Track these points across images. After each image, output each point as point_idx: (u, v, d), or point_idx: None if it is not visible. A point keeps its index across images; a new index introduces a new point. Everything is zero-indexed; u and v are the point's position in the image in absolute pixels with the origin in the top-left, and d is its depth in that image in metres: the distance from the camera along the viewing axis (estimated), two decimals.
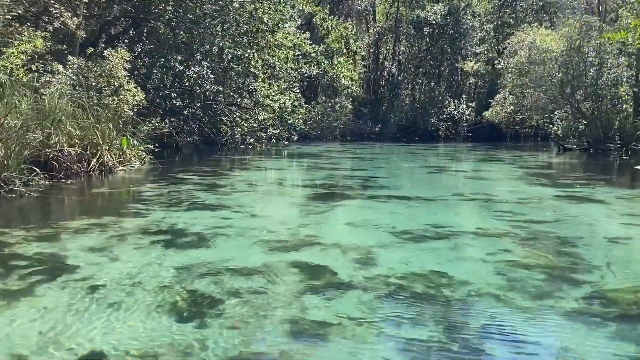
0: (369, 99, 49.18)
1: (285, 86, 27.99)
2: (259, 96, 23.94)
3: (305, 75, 29.04)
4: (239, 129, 24.82)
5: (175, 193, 11.37)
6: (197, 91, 22.73)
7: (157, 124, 19.49)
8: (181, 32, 21.85)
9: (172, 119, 23.03)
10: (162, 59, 21.43)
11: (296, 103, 27.71)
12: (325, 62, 26.80)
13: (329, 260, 5.96)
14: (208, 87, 22.87)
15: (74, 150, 13.24)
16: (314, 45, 27.34)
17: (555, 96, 34.71)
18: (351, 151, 29.83)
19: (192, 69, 23.06)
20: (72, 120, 13.65)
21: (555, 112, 36.82)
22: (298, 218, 9.03)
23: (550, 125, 48.64)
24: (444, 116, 46.70)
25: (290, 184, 13.98)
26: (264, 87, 24.52)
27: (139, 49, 21.81)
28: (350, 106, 45.38)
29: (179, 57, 22.17)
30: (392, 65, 48.84)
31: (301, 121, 28.61)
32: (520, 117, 37.85)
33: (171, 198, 10.63)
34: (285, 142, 28.75)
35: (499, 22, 46.87)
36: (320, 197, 11.68)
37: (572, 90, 33.62)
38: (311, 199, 11.30)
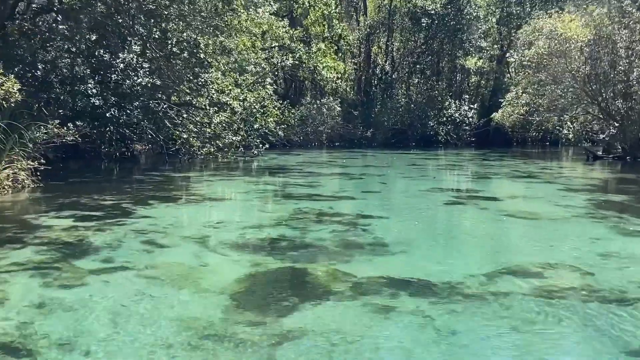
0: (360, 100, 42.95)
1: (252, 81, 21.78)
2: (213, 92, 17.66)
3: (280, 66, 22.75)
4: (188, 136, 18.51)
5: None
6: (125, 86, 16.45)
7: (56, 130, 13.22)
8: (102, 5, 15.57)
9: (96, 123, 16.78)
10: (72, 41, 15.15)
11: (267, 102, 21.49)
12: (302, 48, 20.52)
13: None
14: (141, 80, 16.59)
15: None
16: (287, 29, 21.04)
17: (578, 94, 28.63)
18: (337, 162, 23.59)
19: (121, 55, 16.77)
20: None
21: (578, 112, 30.77)
22: None
23: (567, 128, 42.78)
24: (444, 119, 40.57)
25: (221, 241, 7.69)
26: (223, 80, 18.21)
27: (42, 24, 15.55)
28: (338, 108, 39.15)
29: (100, 39, 15.91)
30: (385, 62, 42.67)
31: (272, 124, 22.39)
32: (537, 119, 31.75)
33: None
34: (255, 152, 22.53)
35: (505, 13, 40.82)
36: (261, 298, 5.45)
37: (600, 86, 27.56)
38: (240, 308, 4.99)
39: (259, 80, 21.98)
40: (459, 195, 12.69)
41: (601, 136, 45.77)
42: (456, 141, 40.42)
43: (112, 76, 16.91)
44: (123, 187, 13.64)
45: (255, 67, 21.69)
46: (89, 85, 16.18)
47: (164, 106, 17.90)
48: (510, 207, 10.93)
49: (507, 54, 34.92)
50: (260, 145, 22.41)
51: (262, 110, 21.00)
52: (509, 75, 43.34)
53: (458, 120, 40.86)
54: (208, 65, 17.80)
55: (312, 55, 20.16)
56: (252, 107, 20.33)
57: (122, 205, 10.43)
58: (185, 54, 17.34)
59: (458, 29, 37.75)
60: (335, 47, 29.00)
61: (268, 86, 22.22)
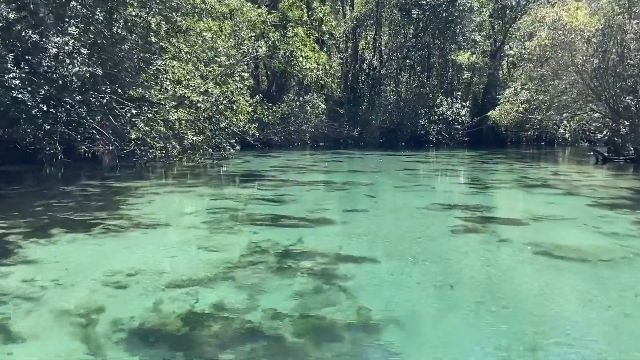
0: (346, 97, 39.87)
1: (219, 72, 18.57)
2: (167, 83, 14.44)
3: (251, 55, 19.54)
4: (140, 135, 15.24)
5: None
6: (57, 76, 13.18)
7: None
8: None
9: (21, 121, 13.58)
10: None
11: (237, 97, 18.32)
12: (276, 33, 17.32)
13: None
14: (78, 69, 13.32)
15: None
16: (260, 12, 17.80)
17: (583, 91, 25.81)
18: (319, 167, 20.50)
19: (53, 39, 13.52)
20: None
21: (583, 110, 27.97)
22: None
23: (564, 127, 39.98)
24: (435, 117, 37.62)
25: (110, 320, 4.64)
26: (180, 69, 14.96)
27: None
28: (323, 105, 36.06)
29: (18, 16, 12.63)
30: (373, 57, 39.63)
31: (243, 122, 19.21)
32: (538, 117, 28.89)
33: None
34: (224, 154, 19.34)
35: (499, 5, 37.93)
36: None
37: (608, 81, 24.76)
38: None
39: (228, 71, 18.78)
40: (467, 216, 9.66)
41: (599, 136, 43.28)
42: (448, 141, 37.52)
43: (43, 63, 13.63)
44: (36, 204, 10.41)
45: (222, 56, 18.50)
46: (11, 74, 12.91)
47: (108, 100, 14.62)
48: (541, 237, 7.90)
49: (506, 47, 32.02)
50: (229, 147, 19.23)
51: (230, 106, 17.83)
52: (502, 71, 40.56)
53: (450, 118, 37.95)
54: (161, 50, 14.58)
55: (288, 41, 16.96)
56: (218, 102, 17.13)
57: (3, 239, 7.26)
58: (134, 37, 14.11)
59: (451, 21, 34.77)
60: (316, 35, 25.72)
61: (238, 78, 19.03)
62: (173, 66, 14.54)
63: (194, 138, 16.16)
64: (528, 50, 26.20)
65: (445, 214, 9.88)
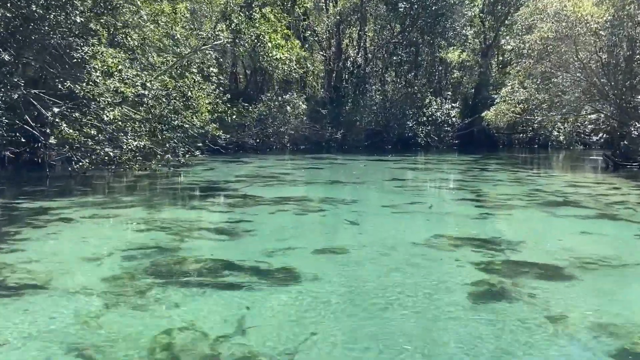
0: (329, 97, 36.83)
1: (174, 64, 15.34)
2: (95, 74, 11.19)
3: (215, 43, 16.28)
4: (63, 137, 11.92)
5: None
6: None
7: None
8: None
9: None
10: None
11: (196, 93, 15.13)
12: (241, 15, 14.08)
13: None
14: None
15: None
16: None
17: (588, 88, 23.03)
18: (294, 176, 17.37)
19: None
20: None
21: (586, 110, 25.23)
22: None
23: (558, 129, 37.22)
24: (424, 119, 34.72)
25: None
26: (113, 58, 11.68)
27: None
28: (304, 106, 32.97)
29: None
30: (358, 54, 36.61)
31: (200, 123, 16.00)
32: (539, 118, 26.09)
33: None
34: (184, 160, 16.14)
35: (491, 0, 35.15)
36: None
37: (618, 78, 22.02)
38: None
39: (185, 62, 15.54)
40: (486, 261, 6.61)
41: (594, 138, 40.76)
42: (437, 144, 34.65)
43: None
44: None
45: (180, 45, 15.31)
46: None
47: (21, 95, 11.32)
48: (614, 309, 4.88)
49: (503, 41, 29.16)
50: (186, 153, 16.02)
51: (187, 104, 14.65)
52: (495, 69, 37.85)
53: (439, 120, 35.08)
54: (87, 33, 11.35)
55: (255, 24, 13.83)
56: (170, 98, 13.95)
57: None
58: (52, 16, 10.86)
59: (441, 14, 31.85)
60: (288, 20, 22.49)
61: (196, 70, 15.79)
62: (101, 53, 11.31)
63: (136, 143, 12.90)
64: (528, 45, 23.36)
65: (454, 257, 6.80)
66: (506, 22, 34.50)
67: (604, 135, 38.09)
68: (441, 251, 7.07)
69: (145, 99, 12.92)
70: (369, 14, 35.72)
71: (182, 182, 14.90)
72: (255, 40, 13.92)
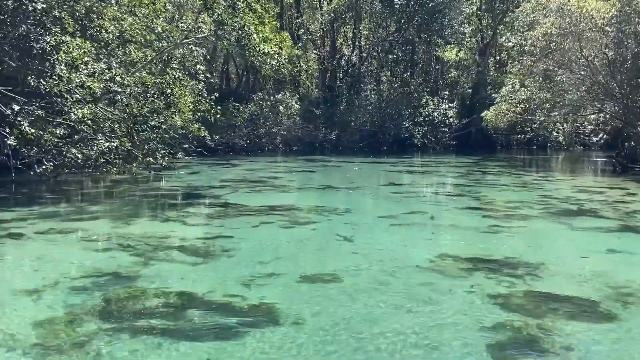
0: (323, 96, 35.63)
1: (153, 58, 14.08)
2: (59, 67, 9.90)
3: (198, 37, 14.99)
4: (23, 138, 10.64)
5: None
6: None
7: None
8: None
9: None
10: None
11: (179, 90, 13.89)
12: (223, 5, 12.83)
13: None
14: None
15: None
16: None
17: (592, 87, 21.95)
18: (283, 180, 16.17)
19: None
20: None
21: (596, 109, 24.12)
22: None
23: (557, 129, 36.14)
24: (420, 119, 33.55)
25: None
26: (80, 48, 10.41)
27: None
28: (297, 105, 31.79)
29: None
30: (352, 52, 35.41)
31: (181, 122, 14.75)
32: (541, 118, 24.98)
33: None
34: (165, 163, 14.90)
35: None
36: None
37: (625, 76, 20.93)
38: None
39: (165, 57, 14.27)
40: (505, 292, 5.47)
41: (594, 139, 39.74)
42: (434, 145, 33.46)
43: None
44: None
45: (154, 38, 14.07)
46: None
47: None
48: None
49: (504, 38, 28.01)
50: (166, 155, 14.78)
51: (165, 103, 13.39)
52: (493, 68, 36.77)
53: (436, 120, 33.93)
54: (52, 22, 10.10)
55: (238, 14, 12.58)
56: (143, 96, 12.71)
57: None
58: (10, 2, 9.61)
59: (438, 11, 30.68)
60: (278, 9, 21.13)
61: (176, 66, 14.53)
62: (66, 43, 10.04)
63: (107, 144, 11.66)
64: (530, 42, 22.21)
65: (466, 286, 5.62)
66: (505, 19, 33.39)
67: (604, 136, 37.10)
68: (449, 278, 5.89)
69: (119, 96, 11.67)
70: (364, 12, 34.53)
71: (161, 187, 13.67)
72: (240, 32, 12.68)
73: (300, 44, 36.11)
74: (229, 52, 30.76)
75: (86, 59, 10.38)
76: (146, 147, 14.29)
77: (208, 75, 24.76)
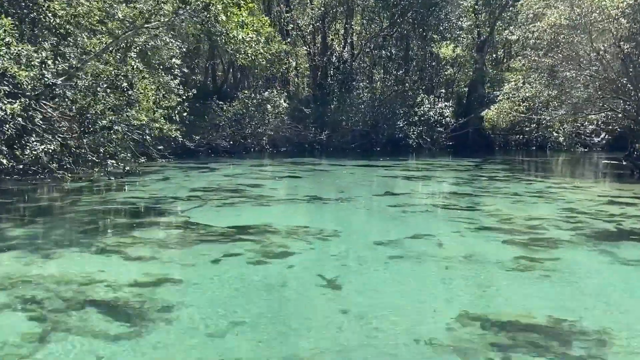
0: (313, 95, 33.51)
1: (109, 44, 11.81)
2: None
3: (164, 21, 12.71)
4: None
5: None
6: None
7: None
8: None
9: None
10: None
11: (139, 83, 11.68)
12: None
13: None
14: None
15: None
16: None
17: (603, 82, 19.96)
18: (264, 189, 13.97)
19: None
20: None
21: (608, 107, 22.08)
22: None
23: (557, 130, 34.16)
24: (416, 118, 31.46)
25: None
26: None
27: None
28: (285, 104, 29.63)
29: None
30: (344, 48, 33.27)
31: (144, 120, 12.51)
32: (547, 117, 22.96)
33: None
34: (126, 169, 12.70)
35: None
36: None
37: (639, 72, 18.97)
38: None
39: (124, 44, 11.98)
40: None
41: (596, 140, 37.83)
42: (430, 145, 31.41)
43: None
44: None
45: (116, 26, 11.80)
46: None
47: None
48: None
49: (506, 32, 25.96)
50: (120, 160, 12.54)
51: (124, 99, 11.20)
52: (492, 65, 34.76)
53: (432, 120, 31.85)
54: None
55: None
56: (92, 91, 10.51)
57: None
58: None
59: (434, 4, 28.58)
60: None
61: (135, 55, 12.25)
62: None
63: (43, 147, 9.46)
64: (535, 34, 20.18)
65: None
66: (503, 14, 31.35)
67: (606, 136, 35.22)
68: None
69: (60, 89, 9.45)
70: (356, 5, 32.34)
71: (116, 200, 11.43)
72: (206, 13, 10.51)
73: (289, 40, 33.94)
74: (214, 46, 28.45)
75: (8, 39, 8.15)
76: (102, 150, 12.06)
77: (186, 70, 22.60)
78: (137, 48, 12.71)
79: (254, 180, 15.35)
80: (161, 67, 17.69)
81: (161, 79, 16.09)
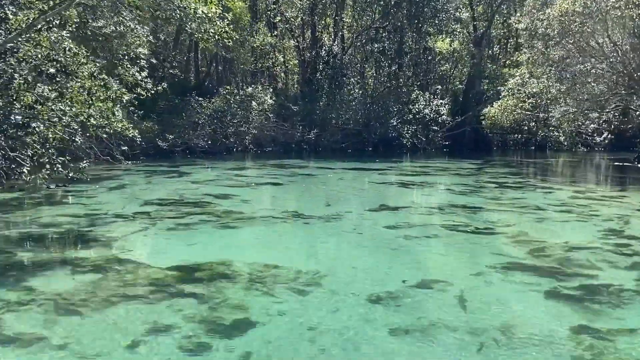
0: (301, 91, 31.09)
1: (35, 19, 9.32)
2: None
3: None
4: None
5: None
6: None
7: None
8: None
9: None
10: None
11: (65, 67, 9.19)
12: None
13: None
14: None
15: None
16: None
17: (618, 79, 17.73)
18: (235, 202, 11.53)
19: None
20: None
21: (623, 103, 19.86)
22: None
23: (558, 129, 31.86)
24: (410, 116, 29.13)
25: None
26: None
27: None
28: (270, 101, 27.20)
29: None
30: (334, 41, 30.82)
31: (90, 119, 10.03)
32: (556, 115, 20.67)
33: None
34: (69, 175, 10.24)
35: None
36: None
37: None
38: None
39: (56, 22, 9.39)
40: None
41: (598, 139, 35.68)
42: (425, 145, 29.12)
43: None
44: None
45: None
46: None
47: None
48: None
49: (513, 19, 23.59)
50: (54, 165, 10.04)
51: (55, 90, 8.75)
52: (491, 60, 32.44)
53: (428, 118, 29.54)
54: None
55: None
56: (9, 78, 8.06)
57: None
58: None
59: None
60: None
61: (65, 34, 9.68)
62: None
63: None
64: (545, 22, 17.87)
65: None
66: (503, 5, 29.06)
67: (609, 136, 33.10)
68: None
69: None
70: None
71: (40, 218, 8.92)
72: None
73: (276, 34, 31.47)
74: (192, 37, 25.87)
75: None
76: (30, 152, 9.57)
77: (154, 60, 20.07)
78: (75, 26, 10.22)
79: (226, 188, 12.90)
80: (126, 57, 15.31)
81: (122, 70, 13.67)
